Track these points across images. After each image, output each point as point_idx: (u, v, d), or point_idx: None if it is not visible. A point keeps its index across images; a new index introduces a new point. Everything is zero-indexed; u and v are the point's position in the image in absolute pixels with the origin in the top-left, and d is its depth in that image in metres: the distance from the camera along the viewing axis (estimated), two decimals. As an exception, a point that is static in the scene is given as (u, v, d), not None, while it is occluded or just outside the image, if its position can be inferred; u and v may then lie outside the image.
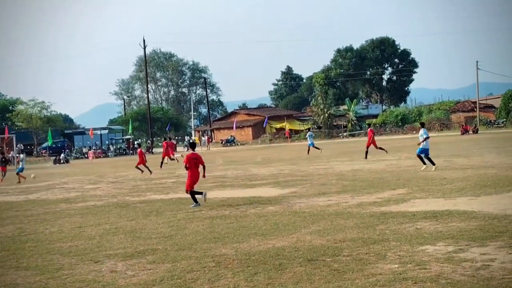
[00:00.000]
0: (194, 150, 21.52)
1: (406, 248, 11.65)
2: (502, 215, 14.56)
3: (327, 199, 20.20)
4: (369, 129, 45.26)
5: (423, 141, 28.53)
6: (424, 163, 28.63)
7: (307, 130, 59.43)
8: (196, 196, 20.60)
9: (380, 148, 40.85)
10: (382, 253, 11.40)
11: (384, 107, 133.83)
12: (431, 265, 10.28)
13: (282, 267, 10.84)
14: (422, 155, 28.72)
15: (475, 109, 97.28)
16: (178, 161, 47.00)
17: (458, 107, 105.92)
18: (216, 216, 17.72)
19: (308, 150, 51.51)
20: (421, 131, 29.18)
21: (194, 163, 20.71)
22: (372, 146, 40.37)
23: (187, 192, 20.92)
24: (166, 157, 49.08)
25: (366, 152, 39.79)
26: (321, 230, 14.22)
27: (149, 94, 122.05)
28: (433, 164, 28.34)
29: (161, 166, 46.10)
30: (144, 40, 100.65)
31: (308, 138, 53.61)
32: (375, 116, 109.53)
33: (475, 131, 78.81)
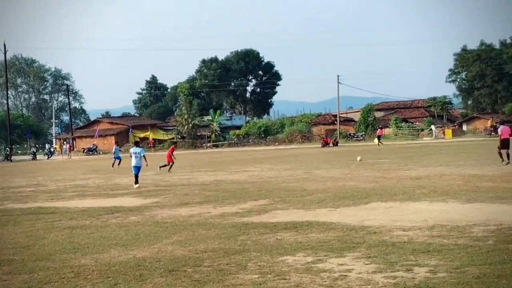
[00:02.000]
0: None
1: (267, 259, 11.78)
2: (360, 226, 14.97)
3: (190, 209, 20.18)
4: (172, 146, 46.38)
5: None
6: (137, 182, 29.74)
7: (116, 144, 60.04)
8: None
9: (165, 166, 41.98)
10: (242, 263, 11.47)
11: (247, 118, 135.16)
12: (291, 275, 10.42)
13: (143, 277, 10.73)
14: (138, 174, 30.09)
15: (335, 122, 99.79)
16: None
17: (319, 120, 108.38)
18: (76, 226, 17.36)
19: (117, 163, 51.57)
20: (134, 149, 30.60)
21: None
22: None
23: None
24: None
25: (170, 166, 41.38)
26: (183, 240, 14.18)
27: (9, 101, 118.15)
28: (136, 183, 29.68)
29: None
30: (4, 45, 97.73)
31: (115, 152, 53.81)
32: (239, 127, 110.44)
33: (335, 144, 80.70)
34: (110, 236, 15.28)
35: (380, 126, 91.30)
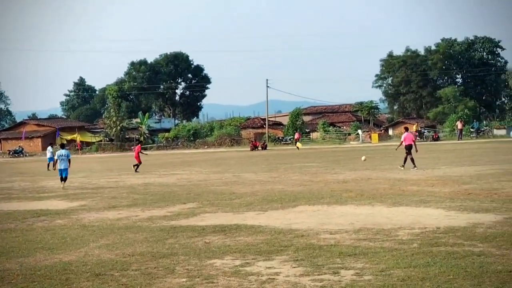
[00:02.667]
0: None
1: (195, 262, 11.78)
2: (288, 229, 15.08)
3: (117, 212, 20.03)
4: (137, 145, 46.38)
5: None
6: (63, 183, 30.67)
7: (49, 144, 58.58)
8: None
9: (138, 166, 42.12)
10: (170, 267, 11.45)
11: (177, 121, 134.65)
12: (219, 278, 10.45)
13: (69, 282, 10.62)
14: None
15: (264, 125, 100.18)
16: None
17: (248, 123, 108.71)
18: (0, 230, 17.03)
19: (48, 165, 50.11)
20: (60, 151, 31.43)
21: None
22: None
23: None
24: None
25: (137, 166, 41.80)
26: (110, 244, 14.08)
27: None
28: (62, 182, 30.56)
29: None
30: None
31: (48, 153, 52.45)
32: (168, 130, 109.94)
33: (264, 147, 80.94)
34: (36, 240, 15.06)
35: (298, 130, 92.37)
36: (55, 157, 31.96)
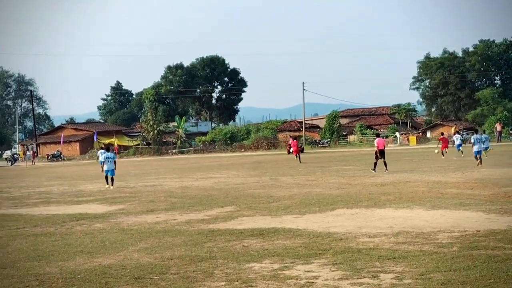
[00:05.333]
0: None
1: (233, 266, 11.77)
2: (326, 233, 15.02)
3: (156, 216, 20.10)
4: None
5: None
6: (107, 183, 32.98)
7: (101, 148, 58.24)
8: None
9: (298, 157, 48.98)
10: (209, 270, 11.45)
11: (213, 124, 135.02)
12: (257, 282, 10.43)
13: (109, 285, 10.67)
14: None
15: (301, 128, 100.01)
16: None
17: (285, 126, 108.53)
18: (40, 234, 17.19)
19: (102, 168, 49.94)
20: (107, 154, 33.70)
21: None
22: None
23: None
24: None
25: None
26: (149, 247, 14.13)
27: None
28: (107, 184, 32.96)
29: None
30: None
31: (101, 156, 52.28)
32: (205, 134, 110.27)
33: (301, 151, 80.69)
34: (75, 244, 15.16)
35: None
36: (103, 160, 34.60)
